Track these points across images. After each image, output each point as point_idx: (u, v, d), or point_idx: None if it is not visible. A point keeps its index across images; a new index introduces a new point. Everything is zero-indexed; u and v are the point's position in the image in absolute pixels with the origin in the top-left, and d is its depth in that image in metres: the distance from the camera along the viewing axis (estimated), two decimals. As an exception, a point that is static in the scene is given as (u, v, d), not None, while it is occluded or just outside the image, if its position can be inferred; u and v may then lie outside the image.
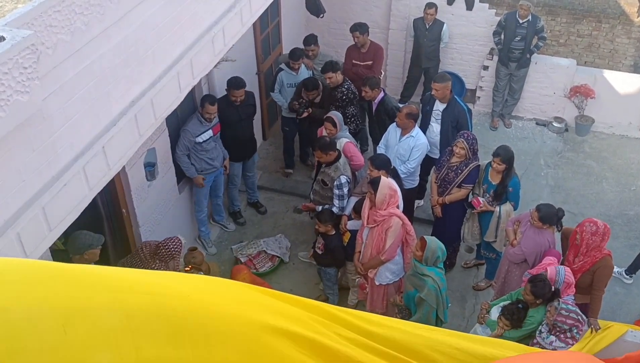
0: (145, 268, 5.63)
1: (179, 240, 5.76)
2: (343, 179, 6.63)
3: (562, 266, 5.58)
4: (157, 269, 5.63)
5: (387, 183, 5.87)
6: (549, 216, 5.96)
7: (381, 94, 7.69)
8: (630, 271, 7.48)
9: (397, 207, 5.99)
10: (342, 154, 6.92)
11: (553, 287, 5.41)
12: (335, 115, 7.20)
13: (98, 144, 3.94)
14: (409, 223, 6.06)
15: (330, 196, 6.77)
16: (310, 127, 8.16)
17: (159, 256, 5.66)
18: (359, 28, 8.48)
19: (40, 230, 3.55)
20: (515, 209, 6.74)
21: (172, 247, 5.66)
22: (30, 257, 3.52)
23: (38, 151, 3.45)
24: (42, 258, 3.94)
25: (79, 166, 3.78)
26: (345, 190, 6.68)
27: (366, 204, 6.08)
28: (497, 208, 6.63)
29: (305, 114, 7.95)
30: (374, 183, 5.84)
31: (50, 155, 3.57)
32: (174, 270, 5.84)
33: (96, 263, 5.26)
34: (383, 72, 9.18)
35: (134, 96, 4.29)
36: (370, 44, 8.61)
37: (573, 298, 5.53)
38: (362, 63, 8.61)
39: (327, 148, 6.63)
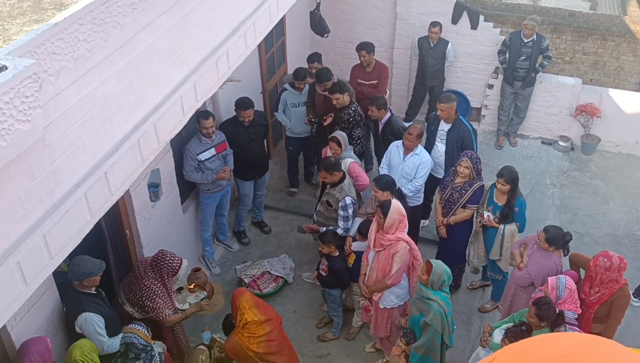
0: (139, 284, 5.62)
1: (179, 258, 5.72)
2: (348, 200, 6.59)
3: (563, 275, 5.52)
4: (150, 281, 5.58)
5: (397, 207, 5.82)
6: (557, 238, 5.90)
7: (388, 115, 7.67)
8: (638, 293, 7.39)
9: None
10: (347, 175, 6.89)
11: (555, 298, 5.36)
12: (340, 135, 7.18)
13: (100, 170, 3.91)
14: (416, 247, 6.01)
15: (335, 217, 6.73)
16: (317, 145, 8.16)
17: (151, 267, 5.63)
18: (366, 47, 8.49)
19: (41, 258, 3.52)
20: (521, 230, 6.68)
21: (169, 260, 5.62)
22: (30, 285, 3.48)
23: (39, 178, 3.43)
24: (45, 282, 3.91)
25: (81, 192, 3.75)
26: (350, 211, 6.64)
27: (373, 227, 6.03)
28: (502, 226, 6.58)
29: (329, 120, 7.86)
30: (384, 207, 5.80)
31: (52, 182, 3.55)
32: (170, 286, 5.79)
33: (100, 283, 5.25)
34: (388, 91, 9.16)
35: (137, 121, 4.27)
36: (375, 63, 8.62)
37: (575, 315, 5.45)
38: (367, 82, 8.61)
39: (332, 168, 6.60)
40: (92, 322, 5.00)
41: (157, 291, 5.62)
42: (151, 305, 5.58)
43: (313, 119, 8.12)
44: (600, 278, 5.59)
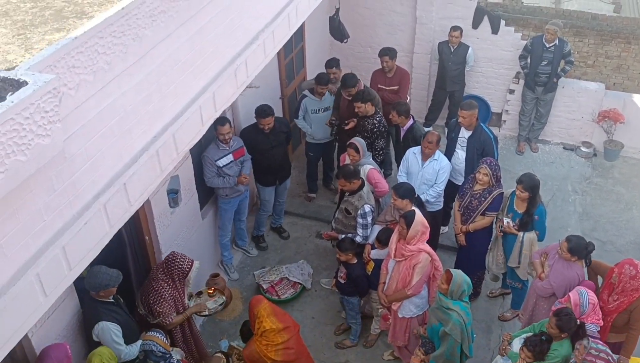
0: (149, 287, 5.65)
1: (190, 259, 5.74)
2: (367, 208, 6.57)
3: (583, 289, 5.44)
4: (160, 284, 5.61)
5: (421, 219, 5.80)
6: (579, 248, 5.81)
7: (410, 121, 7.64)
8: None
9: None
10: (366, 182, 6.87)
11: (578, 314, 5.29)
12: (358, 141, 7.15)
13: (119, 181, 3.93)
14: (438, 258, 5.97)
15: (354, 224, 6.71)
16: (340, 150, 8.15)
17: (162, 269, 5.67)
18: (389, 53, 8.46)
19: (60, 269, 3.55)
20: (540, 239, 6.61)
21: (179, 262, 5.65)
22: (49, 297, 3.51)
23: (59, 191, 3.45)
24: (66, 291, 3.93)
25: (100, 204, 3.78)
26: (370, 219, 6.62)
27: (395, 236, 6.01)
28: (521, 234, 6.51)
29: (351, 125, 7.85)
30: (408, 218, 5.77)
31: (71, 194, 3.57)
32: (183, 288, 5.82)
33: (119, 290, 5.29)
34: (409, 97, 9.12)
35: (156, 132, 4.29)
36: (396, 68, 8.59)
37: (597, 327, 5.38)
38: (387, 88, 8.58)
39: (351, 176, 6.58)
40: (109, 330, 5.03)
41: (165, 295, 5.64)
42: (158, 309, 5.61)
43: (334, 121, 8.11)
44: (623, 287, 5.51)
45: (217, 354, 5.40)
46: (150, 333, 5.24)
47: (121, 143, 3.94)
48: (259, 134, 7.33)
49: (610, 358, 5.01)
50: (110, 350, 4.98)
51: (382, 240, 6.39)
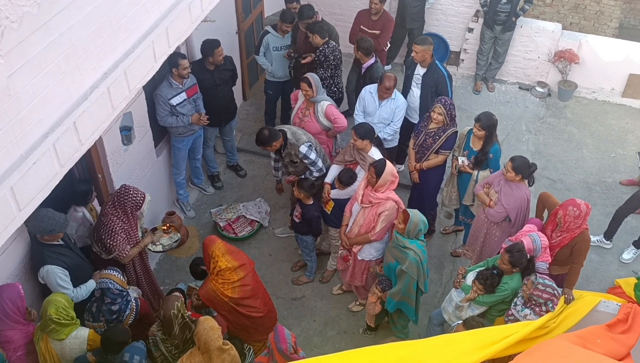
0: (100, 222, 5.58)
1: (142, 192, 5.67)
2: (304, 148, 6.50)
3: (535, 234, 5.63)
4: (110, 218, 5.54)
5: (390, 169, 5.81)
6: (523, 166, 5.96)
7: (372, 60, 7.56)
8: (608, 236, 7.58)
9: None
10: (324, 117, 6.85)
11: (532, 257, 5.49)
12: (312, 76, 7.04)
13: (69, 120, 3.79)
14: (404, 206, 6.02)
15: (304, 167, 6.70)
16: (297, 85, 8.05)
17: (113, 203, 5.58)
18: None
19: (9, 210, 3.45)
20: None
21: (132, 195, 5.58)
22: (-1, 238, 3.43)
23: (5, 129, 3.31)
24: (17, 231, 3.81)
25: (49, 143, 3.65)
26: (313, 154, 6.55)
27: (363, 183, 6.03)
28: (475, 172, 6.63)
29: (308, 59, 7.77)
30: (378, 167, 5.78)
31: (18, 133, 3.43)
32: (135, 223, 5.76)
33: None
34: (389, 45, 8.97)
35: (107, 68, 4.12)
36: (383, 13, 8.40)
37: (546, 265, 5.61)
38: (369, 30, 8.39)
39: (269, 141, 6.44)
40: (54, 274, 4.96)
41: (116, 228, 5.54)
42: (111, 242, 5.51)
43: (293, 54, 7.98)
44: (568, 226, 5.73)
45: (174, 293, 5.40)
46: (107, 271, 5.19)
47: (70, 79, 3.78)
48: (204, 72, 7.11)
49: (555, 292, 5.24)
50: (66, 297, 4.91)
51: (344, 181, 6.41)
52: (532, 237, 5.56)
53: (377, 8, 8.31)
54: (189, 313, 5.29)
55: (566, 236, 5.76)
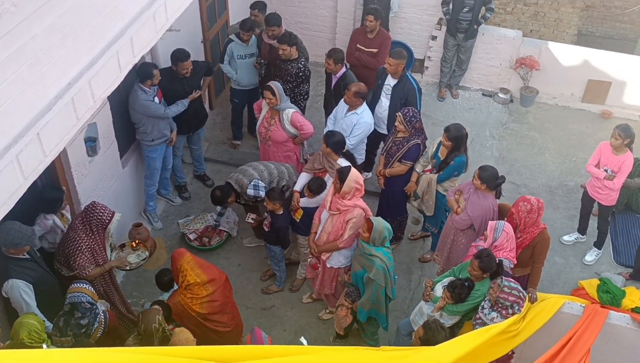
0: (65, 238, 5.48)
1: (110, 210, 5.57)
2: (250, 192, 6.66)
3: (501, 221, 5.77)
4: (76, 234, 5.43)
5: (355, 176, 5.84)
6: (489, 177, 6.06)
7: (343, 69, 7.59)
8: (582, 231, 7.77)
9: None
10: (290, 125, 6.93)
11: (492, 239, 5.60)
12: (275, 84, 7.06)
13: (32, 131, 3.72)
14: (371, 214, 6.06)
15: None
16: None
17: (81, 219, 5.46)
18: (375, 12, 8.10)
19: (-28, 224, 3.38)
20: (439, 179, 6.73)
21: (99, 212, 5.47)
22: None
23: (-34, 142, 3.25)
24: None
25: (12, 155, 3.57)
26: (262, 192, 6.64)
27: (331, 190, 6.06)
28: (434, 176, 6.72)
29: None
30: (342, 174, 5.81)
31: (-20, 145, 3.37)
32: (103, 241, 5.66)
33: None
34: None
35: (71, 78, 4.06)
36: (379, 31, 8.25)
37: (512, 264, 5.70)
38: (366, 49, 8.24)
39: (222, 200, 6.76)
40: (17, 288, 4.86)
41: (82, 246, 5.41)
42: (77, 260, 5.38)
43: (262, 60, 7.98)
44: (524, 223, 5.85)
45: (155, 307, 5.29)
46: (77, 285, 5.05)
47: (33, 89, 3.71)
48: (174, 80, 7.09)
49: (521, 294, 5.33)
50: (38, 319, 4.78)
51: (313, 189, 6.42)
52: (497, 221, 5.72)
53: (372, 26, 8.14)
54: (171, 326, 5.22)
55: (526, 236, 5.89)
